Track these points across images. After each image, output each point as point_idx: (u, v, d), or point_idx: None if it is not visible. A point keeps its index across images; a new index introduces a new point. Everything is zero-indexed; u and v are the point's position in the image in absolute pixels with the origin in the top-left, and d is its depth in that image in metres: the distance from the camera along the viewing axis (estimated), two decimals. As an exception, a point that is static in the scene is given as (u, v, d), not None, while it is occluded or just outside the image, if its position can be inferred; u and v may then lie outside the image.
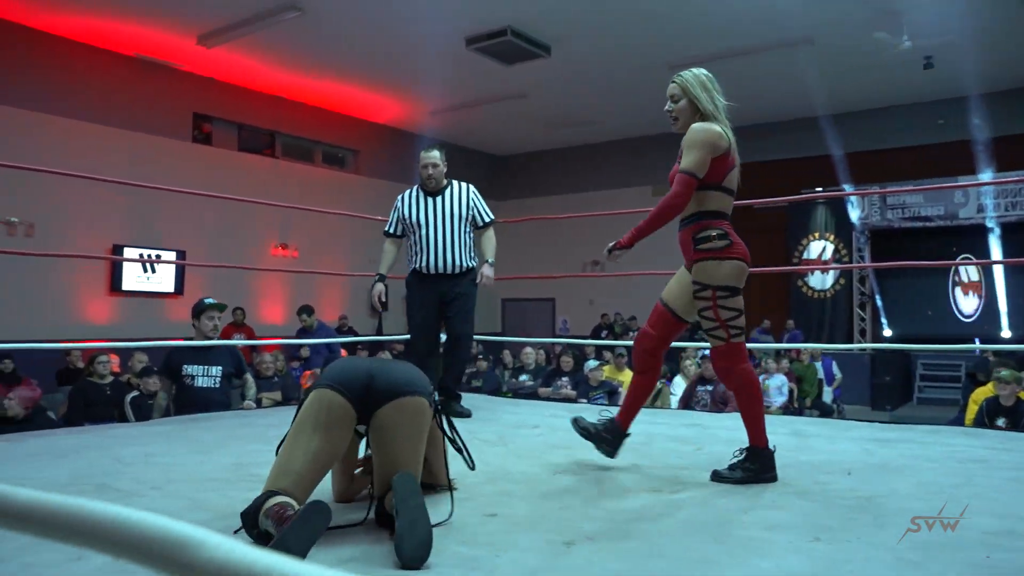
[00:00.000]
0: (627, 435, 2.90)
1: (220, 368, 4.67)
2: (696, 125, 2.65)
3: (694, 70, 2.81)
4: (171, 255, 10.65)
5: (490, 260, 4.41)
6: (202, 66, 11.00)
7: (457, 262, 4.30)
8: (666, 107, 2.80)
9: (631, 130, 14.27)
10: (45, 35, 9.57)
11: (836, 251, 13.48)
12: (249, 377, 4.98)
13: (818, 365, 9.76)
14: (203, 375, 4.64)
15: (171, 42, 10.02)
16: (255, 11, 9.01)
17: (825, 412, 9.12)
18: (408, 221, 4.32)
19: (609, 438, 2.87)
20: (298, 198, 11.21)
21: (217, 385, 4.62)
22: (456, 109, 12.76)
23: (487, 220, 4.42)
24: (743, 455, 2.62)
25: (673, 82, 2.78)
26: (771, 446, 2.63)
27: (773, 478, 2.57)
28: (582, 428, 2.92)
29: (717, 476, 2.60)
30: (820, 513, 2.18)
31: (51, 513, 0.47)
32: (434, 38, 9.63)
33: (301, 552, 1.64)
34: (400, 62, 10.66)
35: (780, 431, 3.78)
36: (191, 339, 4.78)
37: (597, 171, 15.07)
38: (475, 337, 8.01)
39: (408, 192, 4.42)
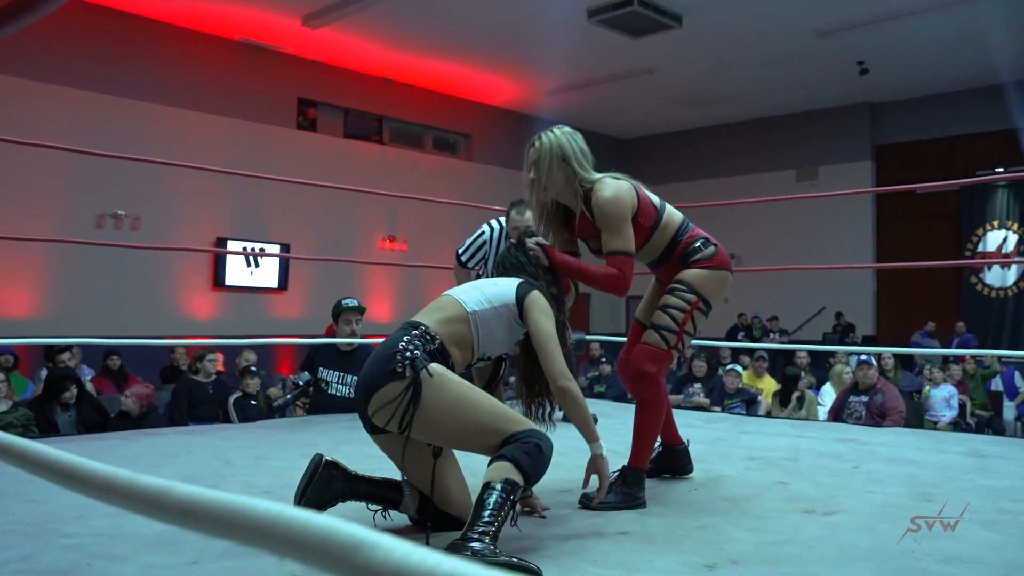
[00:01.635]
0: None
1: (356, 378, 4.80)
2: (603, 197, 2.53)
3: (553, 133, 2.63)
4: (275, 248, 11.13)
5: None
6: (307, 48, 11.45)
7: None
8: (529, 175, 2.64)
9: (772, 108, 13.88)
10: (145, 20, 10.19)
11: (1021, 242, 12.63)
12: None
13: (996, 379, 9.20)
14: (339, 382, 4.78)
15: (275, 24, 10.49)
16: (362, -13, 9.30)
17: (999, 433, 8.60)
18: (488, 259, 4.14)
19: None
20: (407, 186, 11.49)
21: (351, 395, 4.72)
22: (577, 88, 12.76)
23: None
24: (619, 476, 2.54)
25: (533, 145, 2.64)
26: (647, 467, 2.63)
27: (643, 503, 2.51)
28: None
29: (586, 501, 2.48)
30: (1011, 548, 2.07)
31: (216, 511, 0.51)
32: (553, 10, 9.66)
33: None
34: (515, 38, 10.75)
35: (953, 450, 3.60)
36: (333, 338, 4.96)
37: (733, 154, 14.72)
38: (598, 338, 8.02)
39: (496, 227, 4.17)
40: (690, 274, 2.65)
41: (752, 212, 13.38)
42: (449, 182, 12.83)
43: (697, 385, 7.72)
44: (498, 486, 1.95)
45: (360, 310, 4.98)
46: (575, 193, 2.62)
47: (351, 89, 12.42)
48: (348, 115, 12.69)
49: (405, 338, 2.17)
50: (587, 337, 7.28)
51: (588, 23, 9.94)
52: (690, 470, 2.93)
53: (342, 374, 4.79)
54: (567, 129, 2.65)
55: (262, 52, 11.30)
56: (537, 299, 2.34)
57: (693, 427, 4.29)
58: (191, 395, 6.26)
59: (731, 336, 13.14)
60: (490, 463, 2.02)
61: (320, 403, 4.78)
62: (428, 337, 2.20)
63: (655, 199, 2.70)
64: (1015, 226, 12.67)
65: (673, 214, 2.71)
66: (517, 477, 1.98)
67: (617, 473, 2.55)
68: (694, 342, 9.23)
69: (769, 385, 7.94)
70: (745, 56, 11.36)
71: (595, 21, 9.90)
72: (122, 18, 10.05)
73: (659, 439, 2.85)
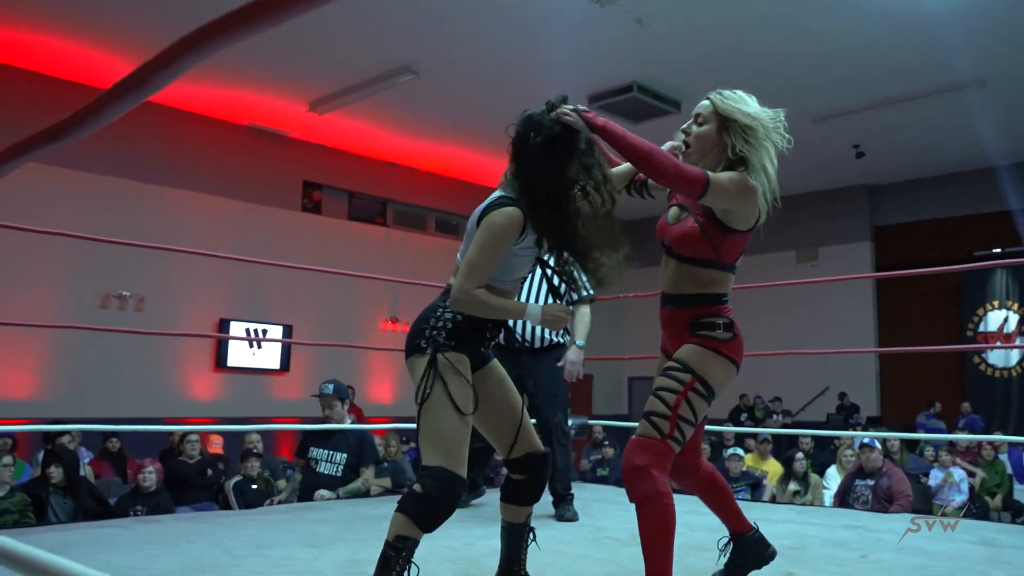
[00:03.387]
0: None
1: (344, 455, 4.81)
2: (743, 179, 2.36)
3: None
4: (277, 329, 11.18)
5: (580, 342, 4.16)
6: (313, 133, 11.71)
7: (545, 334, 4.14)
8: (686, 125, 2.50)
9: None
10: (153, 105, 10.43)
11: (1022, 322, 12.66)
12: (367, 471, 5.04)
13: (1003, 458, 9.11)
14: (327, 460, 4.81)
15: (282, 109, 10.75)
16: (369, 76, 9.56)
17: (1018, 513, 8.48)
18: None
19: (758, 549, 2.60)
20: (410, 268, 11.59)
21: (339, 473, 4.76)
22: (577, 170, 12.96)
23: (584, 294, 4.16)
24: None
25: (708, 99, 2.51)
26: None
27: None
28: None
29: None
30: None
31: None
32: (555, 96, 9.89)
33: None
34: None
35: (964, 538, 3.56)
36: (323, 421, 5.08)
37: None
38: (600, 422, 7.98)
39: None
40: (689, 350, 2.32)
41: (754, 293, 13.44)
42: (452, 263, 12.85)
43: (701, 468, 7.64)
44: (388, 544, 2.12)
45: (335, 395, 5.04)
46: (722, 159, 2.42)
47: (356, 172, 12.64)
48: (352, 198, 12.88)
49: (439, 308, 2.35)
50: (589, 421, 7.25)
51: (590, 108, 10.15)
52: (773, 554, 2.63)
53: (331, 452, 4.83)
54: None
55: (269, 136, 11.55)
56: (494, 217, 2.31)
57: (697, 514, 4.23)
58: (179, 475, 6.26)
59: (733, 418, 13.04)
60: (395, 510, 2.16)
61: (309, 482, 4.77)
62: None
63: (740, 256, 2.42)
64: (1015, 306, 12.72)
65: (730, 280, 2.43)
66: (409, 531, 2.12)
67: None
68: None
69: (774, 468, 7.87)
70: (743, 140, 11.57)
71: (597, 106, 10.13)
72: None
73: (727, 530, 2.64)
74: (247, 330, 10.97)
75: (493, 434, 2.47)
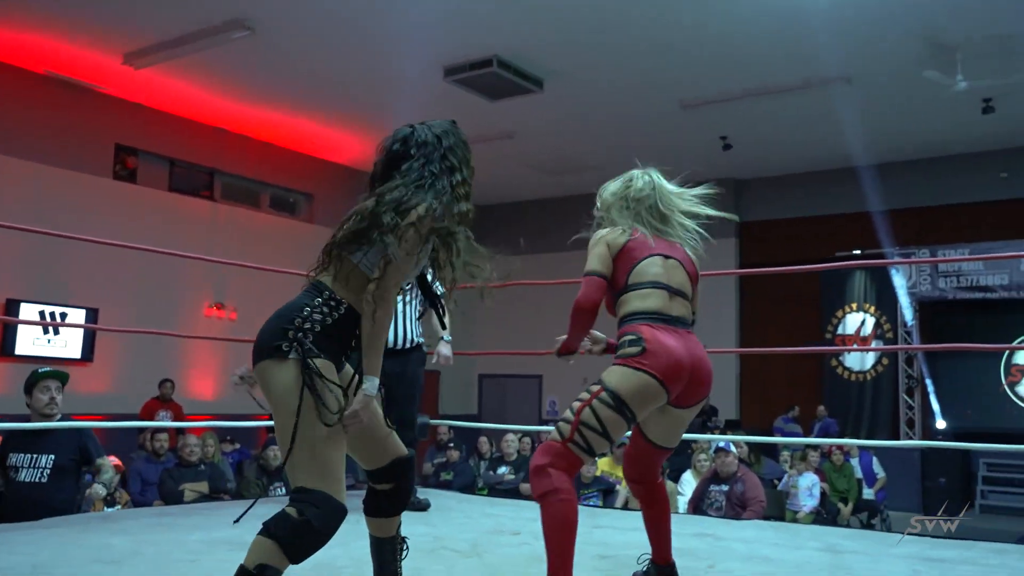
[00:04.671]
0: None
1: (52, 457, 4.34)
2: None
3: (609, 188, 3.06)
4: (80, 314, 10.59)
5: (447, 337, 4.48)
6: (128, 89, 11.13)
7: (409, 336, 4.37)
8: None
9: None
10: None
11: (878, 325, 13.59)
12: (104, 462, 4.61)
13: (854, 462, 9.76)
14: (30, 466, 4.32)
15: (91, 59, 10.14)
16: (197, 28, 9.13)
17: (872, 515, 9.12)
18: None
19: None
20: (239, 249, 11.23)
21: (44, 479, 4.29)
22: (430, 149, 12.91)
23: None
24: None
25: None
26: None
27: None
28: None
29: None
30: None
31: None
32: (408, 67, 9.83)
33: None
34: (365, 94, 10.83)
35: (810, 545, 3.77)
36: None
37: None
38: (447, 422, 7.99)
39: None
40: (608, 370, 2.61)
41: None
42: (287, 245, 12.61)
43: (553, 474, 7.78)
44: (244, 572, 2.03)
45: (60, 376, 4.60)
46: None
47: (179, 137, 12.13)
48: (174, 166, 12.37)
49: (307, 308, 2.24)
50: (432, 421, 7.25)
51: (444, 82, 10.15)
52: None
53: (35, 456, 4.32)
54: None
55: (73, 89, 10.86)
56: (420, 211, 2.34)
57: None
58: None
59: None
60: (259, 532, 2.07)
61: (11, 497, 4.24)
62: (334, 303, 2.26)
63: (646, 268, 2.74)
64: (872, 308, 13.65)
65: (643, 297, 2.70)
66: (273, 559, 2.04)
67: None
68: (551, 427, 9.33)
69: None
70: (609, 124, 11.87)
71: (452, 80, 10.13)
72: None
73: (651, 553, 2.91)
74: (41, 313, 10.33)
75: (355, 446, 2.40)
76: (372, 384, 2.24)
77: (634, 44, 9.26)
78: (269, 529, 2.05)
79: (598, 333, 2.98)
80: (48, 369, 4.67)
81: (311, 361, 2.15)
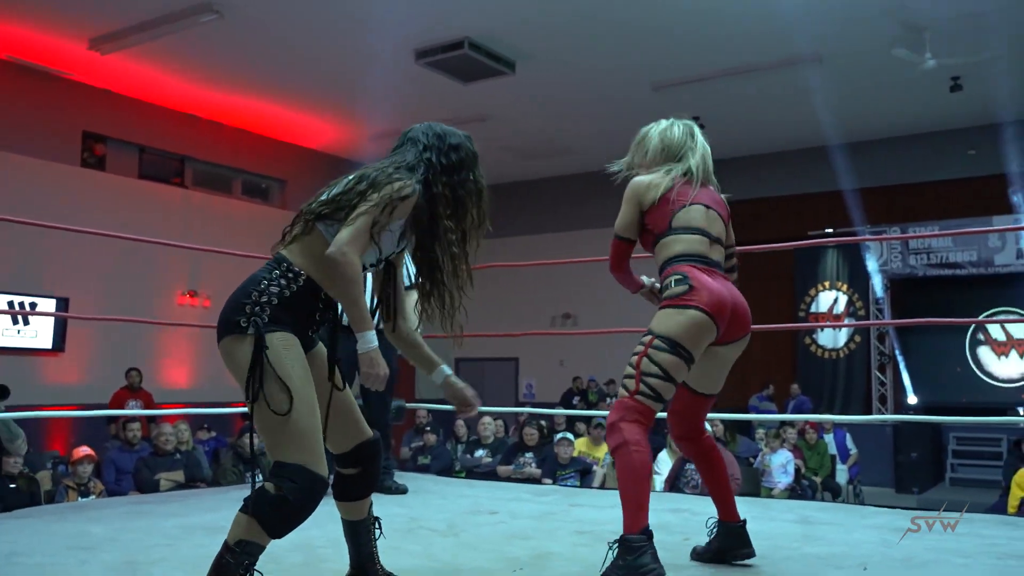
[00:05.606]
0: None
1: None
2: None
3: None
4: (50, 303, 10.49)
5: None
6: (95, 75, 11.00)
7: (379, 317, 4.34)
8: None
9: (610, 161, 14.48)
10: None
11: (850, 303, 13.74)
12: (4, 428, 4.51)
13: (828, 438, 9.87)
14: None
15: (56, 44, 10.01)
16: (161, 12, 9.05)
17: (836, 494, 9.22)
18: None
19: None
20: (212, 236, 11.13)
21: None
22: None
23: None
24: (615, 547, 2.52)
25: None
26: (647, 529, 2.50)
27: (653, 571, 2.42)
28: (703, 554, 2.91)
29: None
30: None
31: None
32: (379, 50, 9.77)
33: None
34: (338, 78, 10.77)
35: (784, 517, 3.82)
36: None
37: (570, 208, 15.26)
38: (424, 405, 7.99)
39: None
40: (655, 316, 2.68)
41: (586, 269, 13.84)
42: (260, 231, 12.49)
43: (528, 455, 7.82)
44: (227, 548, 2.05)
45: None
46: None
47: (148, 124, 12.02)
48: (144, 153, 12.26)
49: (264, 281, 2.22)
50: (408, 405, 7.25)
51: (416, 65, 10.11)
52: (748, 554, 2.83)
53: None
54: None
55: (38, 76, 10.74)
56: (395, 182, 2.33)
57: (521, 501, 4.34)
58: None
59: (566, 401, 13.44)
60: (239, 510, 2.08)
61: None
62: (292, 275, 2.23)
63: (687, 215, 2.81)
64: (844, 287, 13.78)
65: (685, 240, 2.77)
66: (254, 535, 2.05)
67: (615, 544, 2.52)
68: (527, 409, 9.34)
69: (605, 454, 8.15)
70: (581, 107, 11.87)
71: (424, 63, 10.08)
72: None
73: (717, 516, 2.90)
74: (11, 303, 10.22)
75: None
76: (365, 339, 2.20)
77: (606, 26, 9.26)
78: (248, 506, 2.05)
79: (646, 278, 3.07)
80: None
81: (268, 336, 2.13)
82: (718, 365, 2.83)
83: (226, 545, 2.05)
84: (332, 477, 2.32)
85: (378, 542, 2.52)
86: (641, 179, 2.90)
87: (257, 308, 2.16)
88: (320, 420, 2.19)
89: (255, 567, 2.07)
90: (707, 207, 2.86)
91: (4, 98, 10.47)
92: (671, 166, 2.92)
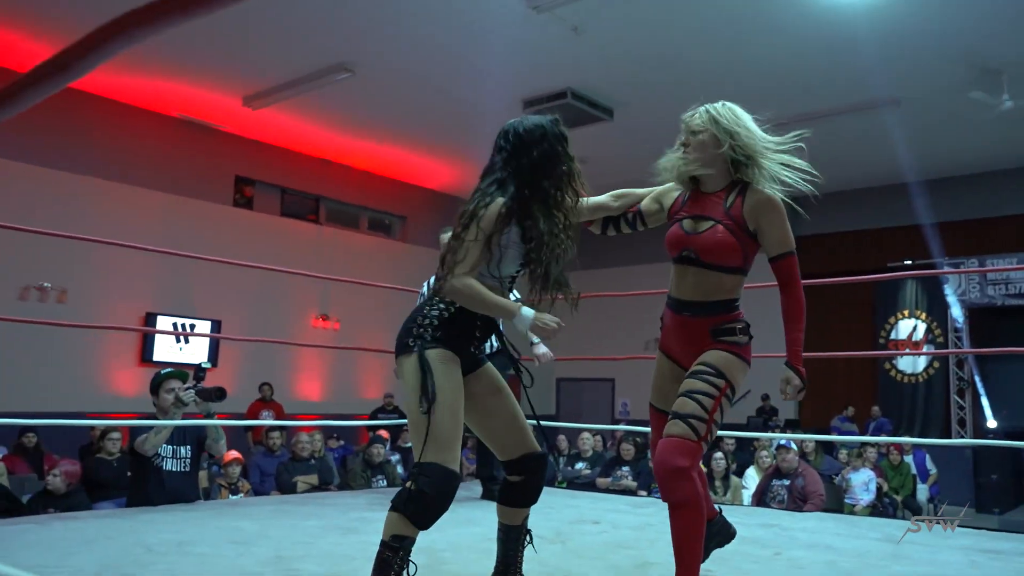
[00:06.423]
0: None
1: (190, 448, 4.37)
2: (773, 195, 2.50)
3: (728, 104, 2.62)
4: (206, 324, 10.93)
5: (534, 339, 4.47)
6: (246, 128, 11.48)
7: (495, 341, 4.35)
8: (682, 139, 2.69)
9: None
10: (84, 94, 10.12)
11: (929, 331, 13.16)
12: (213, 430, 4.56)
13: (908, 459, 9.45)
14: (172, 456, 4.33)
15: (216, 102, 10.52)
16: (304, 72, 9.42)
17: (917, 512, 8.80)
18: None
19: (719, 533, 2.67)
20: (342, 266, 11.46)
21: (187, 469, 4.36)
22: (511, 173, 13.01)
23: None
24: None
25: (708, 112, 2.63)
26: None
27: None
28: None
29: None
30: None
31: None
32: (491, 100, 9.91)
33: None
34: (454, 125, 10.97)
35: (870, 535, 3.68)
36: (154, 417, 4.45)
37: (660, 243, 15.05)
38: (530, 421, 7.98)
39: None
40: (717, 355, 2.34)
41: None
42: (384, 263, 12.83)
43: (625, 468, 7.74)
44: (384, 545, 2.11)
45: (180, 375, 4.53)
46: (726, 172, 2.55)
47: (289, 168, 12.45)
48: (285, 194, 12.68)
49: (427, 307, 2.31)
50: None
51: (524, 113, 10.19)
52: (734, 533, 2.73)
53: (175, 447, 4.32)
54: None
55: (201, 130, 11.28)
56: (478, 208, 2.36)
57: (621, 512, 4.30)
58: (99, 474, 5.98)
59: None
60: (389, 509, 2.14)
61: (156, 481, 4.21)
62: (445, 303, 2.29)
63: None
64: (923, 315, 13.22)
65: (743, 283, 2.50)
66: (403, 529, 2.10)
67: None
68: (623, 426, 9.26)
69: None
70: (672, 147, 11.76)
71: (531, 112, 10.17)
72: (63, 91, 9.92)
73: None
74: (174, 324, 10.70)
75: (489, 436, 2.45)
76: (521, 318, 2.26)
77: (694, 76, 9.18)
78: (394, 504, 2.12)
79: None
80: (170, 370, 4.73)
81: (426, 351, 2.20)
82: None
83: (383, 542, 2.11)
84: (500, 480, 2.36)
85: (524, 551, 2.52)
86: (781, 197, 2.54)
87: (421, 330, 2.25)
88: (460, 425, 2.23)
89: (409, 558, 2.12)
90: None
91: (172, 148, 11.02)
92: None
